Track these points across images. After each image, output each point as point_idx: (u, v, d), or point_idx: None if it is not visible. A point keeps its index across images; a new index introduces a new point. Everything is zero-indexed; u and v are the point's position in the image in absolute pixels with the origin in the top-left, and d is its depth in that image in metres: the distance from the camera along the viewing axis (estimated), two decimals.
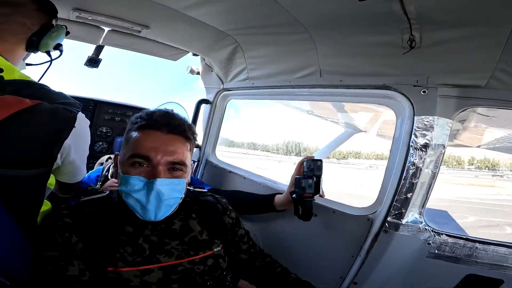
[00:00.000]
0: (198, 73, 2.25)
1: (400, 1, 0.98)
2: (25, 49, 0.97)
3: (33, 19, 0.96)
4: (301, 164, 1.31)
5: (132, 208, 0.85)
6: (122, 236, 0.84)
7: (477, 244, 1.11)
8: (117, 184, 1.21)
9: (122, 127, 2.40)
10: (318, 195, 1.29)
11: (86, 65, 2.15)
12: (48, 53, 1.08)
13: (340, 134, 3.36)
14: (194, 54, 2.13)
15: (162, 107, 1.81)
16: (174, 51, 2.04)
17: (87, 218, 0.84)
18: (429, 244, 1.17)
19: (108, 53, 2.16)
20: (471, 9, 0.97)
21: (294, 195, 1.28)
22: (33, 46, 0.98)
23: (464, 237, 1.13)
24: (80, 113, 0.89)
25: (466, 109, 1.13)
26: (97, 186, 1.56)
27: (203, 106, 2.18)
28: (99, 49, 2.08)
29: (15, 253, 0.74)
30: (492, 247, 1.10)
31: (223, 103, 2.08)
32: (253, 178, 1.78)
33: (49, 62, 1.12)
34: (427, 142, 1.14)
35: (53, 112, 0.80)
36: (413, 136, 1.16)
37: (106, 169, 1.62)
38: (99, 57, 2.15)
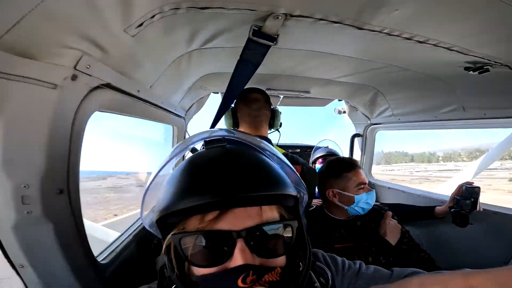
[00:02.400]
0: (344, 112, 2.84)
1: None
2: None
3: None
4: (460, 187, 1.58)
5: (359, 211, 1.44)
6: None
7: None
8: None
9: None
10: (475, 210, 1.48)
11: None
12: None
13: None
14: (339, 100, 2.77)
15: (321, 144, 2.57)
16: (323, 100, 2.76)
17: None
18: None
19: None
20: None
21: (452, 210, 1.57)
22: None
23: None
24: None
25: None
26: None
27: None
28: None
29: None
30: None
31: (372, 134, 2.61)
32: (411, 191, 2.23)
33: None
34: None
35: None
36: None
37: None
38: None
